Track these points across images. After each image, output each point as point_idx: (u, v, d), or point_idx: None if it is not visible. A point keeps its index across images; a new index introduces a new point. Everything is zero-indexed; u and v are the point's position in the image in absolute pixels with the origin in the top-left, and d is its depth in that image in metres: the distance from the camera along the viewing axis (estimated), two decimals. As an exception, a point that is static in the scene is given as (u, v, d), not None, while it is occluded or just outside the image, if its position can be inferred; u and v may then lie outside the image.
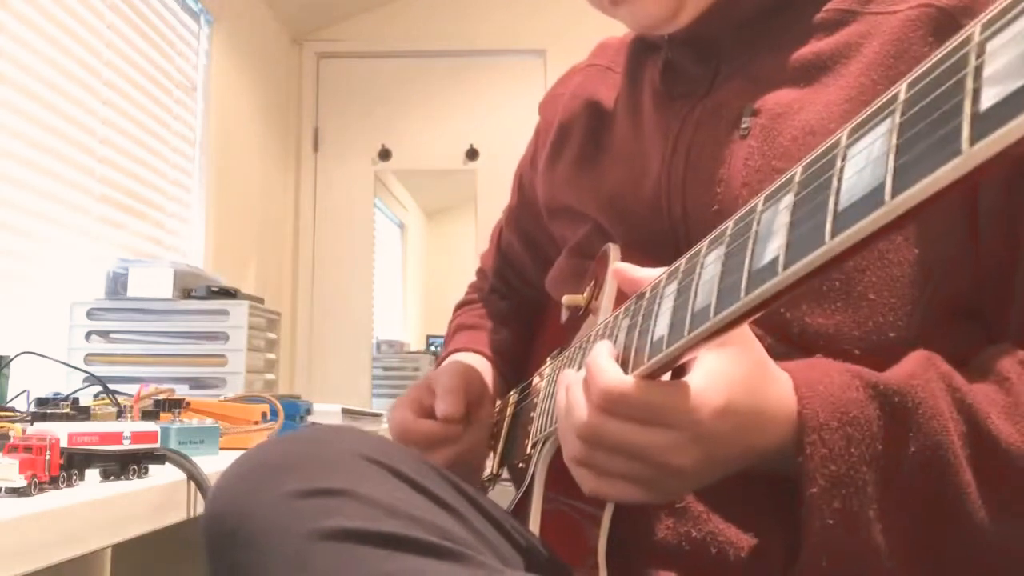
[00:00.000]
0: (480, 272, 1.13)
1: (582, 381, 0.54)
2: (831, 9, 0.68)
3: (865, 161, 0.34)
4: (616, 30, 0.90)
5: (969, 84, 0.29)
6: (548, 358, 0.83)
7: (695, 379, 0.51)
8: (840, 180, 0.35)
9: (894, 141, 0.32)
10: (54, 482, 0.65)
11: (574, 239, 0.82)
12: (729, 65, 0.71)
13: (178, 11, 2.31)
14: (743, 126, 0.67)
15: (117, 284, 1.65)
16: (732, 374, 0.52)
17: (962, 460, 0.53)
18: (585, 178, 0.80)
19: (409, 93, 3.17)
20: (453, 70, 3.18)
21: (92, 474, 0.70)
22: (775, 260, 0.38)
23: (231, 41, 2.59)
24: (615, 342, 0.55)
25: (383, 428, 1.70)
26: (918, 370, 0.56)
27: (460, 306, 1.11)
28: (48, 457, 0.64)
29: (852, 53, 0.65)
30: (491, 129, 3.11)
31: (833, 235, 0.34)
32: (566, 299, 0.79)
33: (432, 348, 3.29)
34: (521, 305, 1.04)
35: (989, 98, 0.28)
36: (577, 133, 0.83)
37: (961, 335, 0.61)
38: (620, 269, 0.60)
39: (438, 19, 3.16)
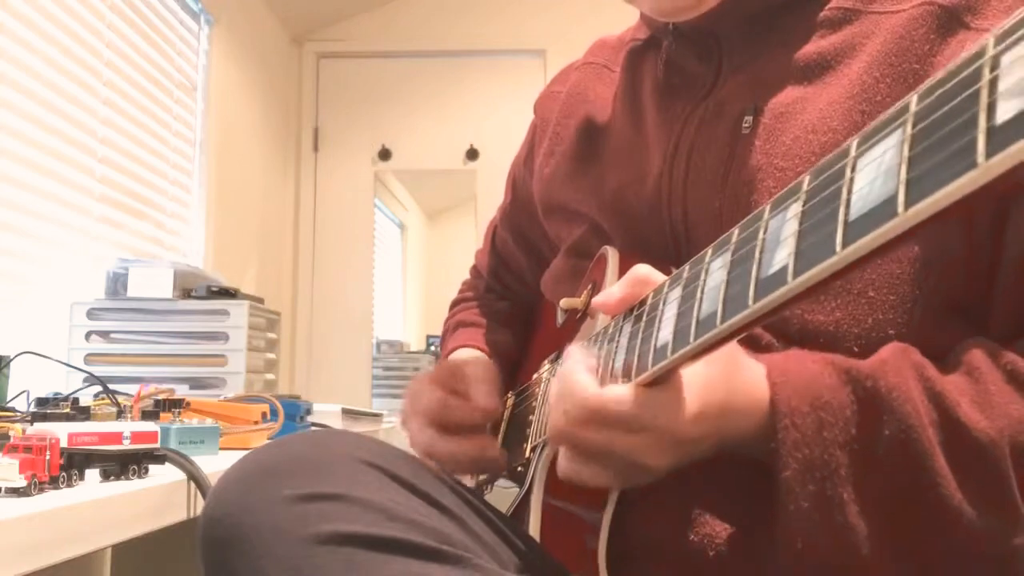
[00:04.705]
0: (474, 270, 1.13)
1: (558, 394, 0.56)
2: (834, 7, 0.68)
3: (876, 172, 0.33)
4: (616, 29, 0.90)
5: (984, 97, 0.29)
6: (546, 361, 0.83)
7: (673, 385, 0.52)
8: (850, 191, 0.35)
9: (906, 153, 0.32)
10: (54, 482, 0.65)
11: (570, 239, 0.81)
12: (731, 63, 0.71)
13: (178, 11, 2.31)
14: (745, 125, 0.67)
15: (117, 284, 1.65)
16: (708, 376, 0.53)
17: (935, 445, 0.53)
18: (583, 177, 0.79)
19: (409, 93, 3.17)
20: (453, 70, 3.18)
21: (92, 474, 0.70)
22: (784, 269, 0.38)
23: (231, 41, 2.59)
24: (617, 346, 0.56)
25: (383, 428, 1.70)
26: (891, 358, 0.56)
27: (456, 303, 1.10)
28: (48, 457, 0.64)
29: (854, 52, 0.65)
30: (491, 129, 3.11)
31: (844, 245, 0.34)
32: (564, 302, 0.79)
33: (432, 348, 3.29)
34: (518, 306, 1.04)
35: (1005, 112, 0.28)
36: (574, 131, 0.83)
37: (958, 332, 0.61)
38: (598, 303, 0.60)
39: (438, 19, 3.16)
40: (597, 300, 0.59)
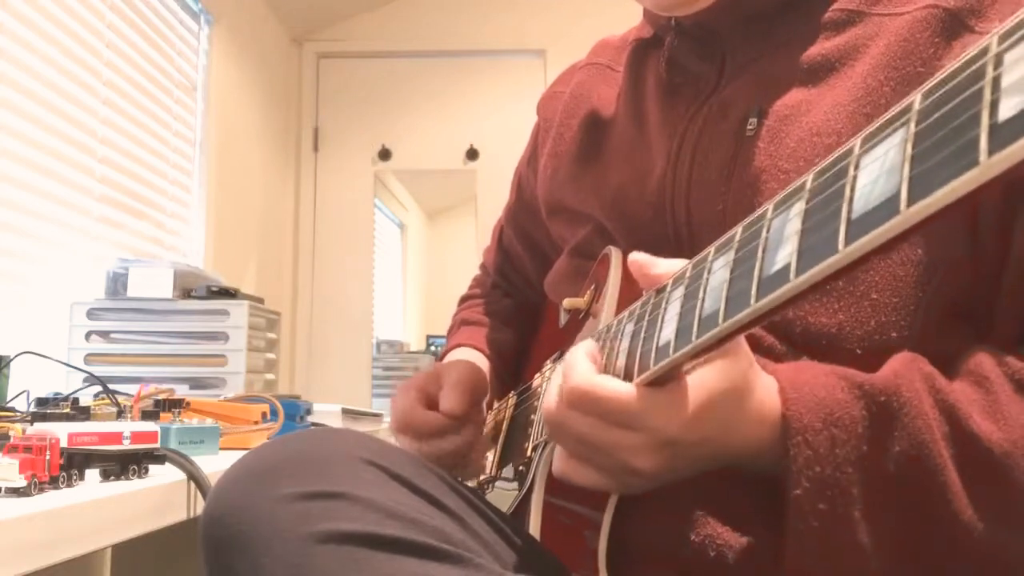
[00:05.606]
0: (483, 267, 1.13)
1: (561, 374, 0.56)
2: (838, 9, 0.68)
3: (879, 170, 0.34)
4: (616, 29, 0.90)
5: (987, 95, 0.29)
6: (548, 361, 0.83)
7: (671, 387, 0.52)
8: (853, 188, 0.35)
9: (909, 151, 0.32)
10: (54, 482, 0.65)
11: (574, 240, 0.81)
12: (734, 63, 0.71)
13: (178, 11, 2.31)
14: (749, 127, 0.67)
15: (117, 284, 1.65)
16: (713, 385, 0.52)
17: (947, 460, 0.53)
18: (587, 177, 0.79)
19: (409, 93, 3.17)
20: (453, 70, 3.18)
21: (92, 474, 0.70)
22: (787, 267, 0.38)
23: (231, 41, 2.59)
24: (619, 346, 0.55)
25: (383, 428, 1.70)
26: (902, 370, 0.55)
27: (464, 300, 1.11)
28: (48, 457, 0.64)
29: (858, 54, 0.65)
30: (491, 129, 3.11)
31: (847, 243, 0.34)
32: (566, 302, 0.79)
33: (432, 348, 3.29)
34: (523, 304, 1.04)
35: (1008, 109, 0.28)
36: (578, 132, 0.83)
37: (961, 335, 0.61)
38: (637, 261, 0.57)
39: (438, 19, 3.16)
40: (638, 257, 0.56)
